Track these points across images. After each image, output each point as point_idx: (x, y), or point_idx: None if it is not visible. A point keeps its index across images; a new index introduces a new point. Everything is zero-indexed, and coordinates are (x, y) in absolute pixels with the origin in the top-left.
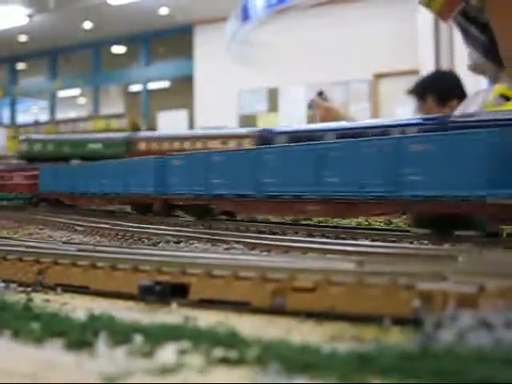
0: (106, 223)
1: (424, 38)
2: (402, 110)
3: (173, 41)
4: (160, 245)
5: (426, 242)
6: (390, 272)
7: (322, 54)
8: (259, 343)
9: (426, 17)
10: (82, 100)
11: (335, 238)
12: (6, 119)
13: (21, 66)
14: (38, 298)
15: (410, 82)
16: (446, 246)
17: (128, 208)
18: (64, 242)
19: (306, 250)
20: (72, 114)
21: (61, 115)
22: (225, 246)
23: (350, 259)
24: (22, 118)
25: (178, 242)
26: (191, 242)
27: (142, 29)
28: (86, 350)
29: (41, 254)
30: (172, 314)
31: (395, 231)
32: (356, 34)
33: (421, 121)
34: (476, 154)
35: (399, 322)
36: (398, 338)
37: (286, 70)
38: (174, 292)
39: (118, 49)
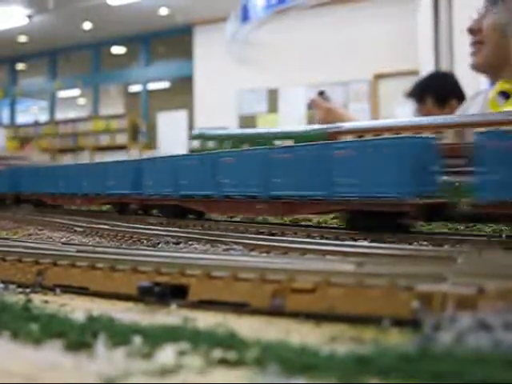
0: (106, 224)
1: (424, 38)
2: (402, 110)
3: (173, 41)
4: (159, 246)
5: (425, 243)
6: (390, 273)
7: (322, 54)
8: (258, 344)
9: (425, 17)
10: (82, 100)
11: (334, 239)
12: (6, 119)
13: (20, 66)
14: (37, 299)
15: (410, 82)
16: (446, 247)
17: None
18: (63, 243)
19: (305, 251)
20: (72, 115)
21: (60, 115)
22: (224, 246)
23: (350, 260)
24: (21, 119)
25: (178, 243)
26: (190, 243)
27: (142, 29)
28: (85, 351)
29: (40, 254)
30: (171, 315)
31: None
32: (356, 34)
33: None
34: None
35: (398, 323)
36: (397, 340)
37: (286, 70)
38: (174, 293)
39: (118, 49)
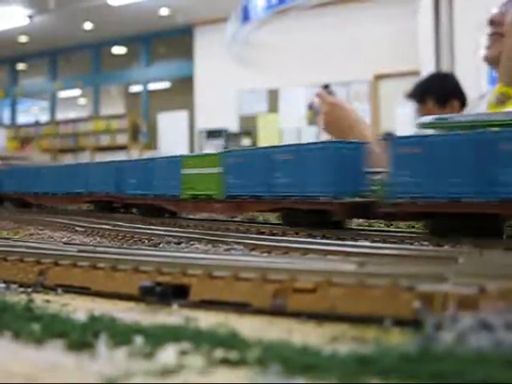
0: (107, 224)
1: (424, 39)
2: (402, 110)
3: (173, 41)
4: (160, 245)
5: (426, 243)
6: (391, 273)
7: (323, 54)
8: (260, 344)
9: (426, 18)
10: (83, 100)
11: (335, 239)
12: (7, 120)
13: (21, 66)
14: (39, 299)
15: (411, 82)
16: (447, 247)
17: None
18: (65, 243)
19: (306, 251)
20: (72, 115)
21: (61, 116)
22: (225, 246)
23: (351, 260)
24: (22, 119)
25: (179, 243)
26: (192, 242)
27: (143, 29)
28: (86, 350)
29: (41, 254)
30: (173, 315)
31: (395, 232)
32: (356, 34)
33: None
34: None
35: (400, 323)
36: (398, 340)
37: (287, 70)
38: (175, 293)
39: (119, 49)
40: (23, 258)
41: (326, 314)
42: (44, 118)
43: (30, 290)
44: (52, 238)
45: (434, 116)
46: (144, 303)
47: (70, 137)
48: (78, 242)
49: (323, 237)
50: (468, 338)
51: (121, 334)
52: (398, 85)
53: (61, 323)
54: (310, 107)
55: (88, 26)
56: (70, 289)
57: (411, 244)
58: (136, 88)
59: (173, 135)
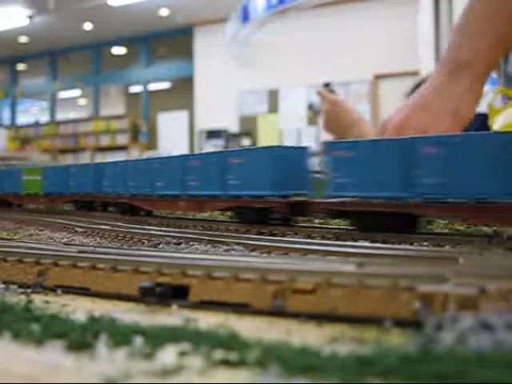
0: (106, 224)
1: (424, 39)
2: None
3: (173, 42)
4: (160, 246)
5: (425, 243)
6: (391, 274)
7: (323, 54)
8: (260, 345)
9: (426, 18)
10: (83, 101)
11: (335, 240)
12: (6, 120)
13: (21, 66)
14: (39, 300)
15: (410, 83)
16: (447, 247)
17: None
18: (64, 244)
19: (306, 252)
20: (72, 115)
21: (61, 116)
22: (225, 247)
23: (350, 261)
24: (22, 119)
25: (179, 244)
26: (191, 243)
27: (143, 30)
28: (86, 351)
29: (41, 255)
30: (172, 316)
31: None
32: (356, 35)
33: None
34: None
35: (400, 323)
36: (398, 340)
37: (287, 70)
38: (175, 294)
39: (119, 50)
40: (23, 259)
41: (326, 315)
42: (44, 118)
43: (29, 290)
44: (52, 238)
45: None
46: (144, 304)
47: (70, 137)
48: (77, 242)
49: (323, 237)
50: (468, 339)
51: (120, 335)
52: (398, 85)
53: (60, 324)
54: (310, 107)
55: (88, 26)
56: (69, 289)
57: (411, 244)
58: (136, 88)
59: (173, 135)
